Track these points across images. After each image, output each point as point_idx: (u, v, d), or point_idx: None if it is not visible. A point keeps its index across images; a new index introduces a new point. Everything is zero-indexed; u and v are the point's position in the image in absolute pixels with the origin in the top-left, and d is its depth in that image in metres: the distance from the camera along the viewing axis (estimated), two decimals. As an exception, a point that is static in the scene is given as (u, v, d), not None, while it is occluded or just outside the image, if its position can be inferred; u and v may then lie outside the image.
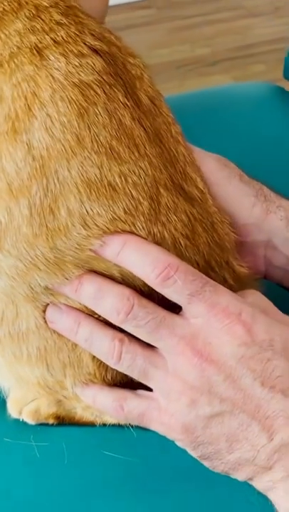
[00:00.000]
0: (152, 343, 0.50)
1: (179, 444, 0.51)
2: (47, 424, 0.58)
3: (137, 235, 0.49)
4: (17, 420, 0.58)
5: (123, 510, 0.54)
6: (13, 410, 0.58)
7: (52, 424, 0.58)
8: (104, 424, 0.57)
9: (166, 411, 0.50)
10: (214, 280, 0.53)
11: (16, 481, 0.55)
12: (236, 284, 0.56)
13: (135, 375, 0.51)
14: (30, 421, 0.58)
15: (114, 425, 0.57)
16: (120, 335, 0.50)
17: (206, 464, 0.50)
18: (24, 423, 0.58)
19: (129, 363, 0.50)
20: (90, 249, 0.49)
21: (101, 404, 0.53)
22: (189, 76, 2.32)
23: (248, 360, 0.48)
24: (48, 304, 0.51)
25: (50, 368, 0.53)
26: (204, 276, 0.50)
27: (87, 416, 0.57)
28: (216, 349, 0.49)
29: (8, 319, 0.52)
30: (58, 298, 0.51)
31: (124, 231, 0.49)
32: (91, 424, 0.58)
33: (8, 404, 0.58)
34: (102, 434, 0.57)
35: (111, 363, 0.51)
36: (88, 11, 0.71)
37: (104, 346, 0.50)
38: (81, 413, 0.57)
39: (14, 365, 0.54)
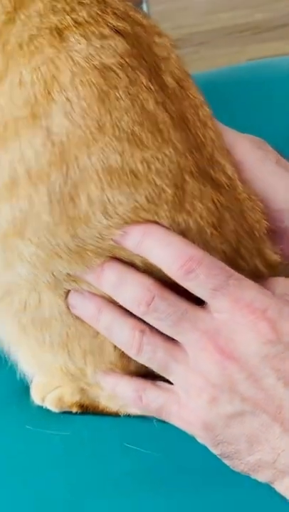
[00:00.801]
0: (174, 337, 0.49)
1: (199, 440, 0.49)
2: (70, 413, 0.57)
3: (159, 224, 0.48)
4: (40, 407, 0.58)
5: (142, 503, 0.53)
6: (36, 397, 0.58)
7: (75, 413, 0.57)
8: (129, 415, 0.56)
9: (186, 406, 0.49)
10: (244, 269, 0.51)
11: (35, 469, 0.55)
12: (269, 272, 0.53)
13: (155, 368, 0.49)
14: (54, 408, 0.57)
15: (138, 417, 0.55)
16: (142, 325, 0.49)
17: (226, 462, 0.49)
18: (47, 410, 0.57)
19: (150, 355, 0.49)
20: (111, 239, 0.47)
21: (120, 393, 0.52)
22: (248, 42, 2.26)
23: (271, 359, 0.46)
24: (70, 291, 0.50)
25: (71, 354, 0.53)
26: (229, 269, 0.48)
27: (110, 406, 0.56)
28: (239, 346, 0.47)
29: (31, 306, 0.51)
30: (80, 285, 0.50)
31: (146, 220, 0.47)
32: (115, 415, 0.57)
33: (31, 390, 0.58)
34: (125, 425, 0.56)
35: (131, 353, 0.49)
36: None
37: (125, 336, 0.49)
38: (105, 403, 0.56)
39: (37, 351, 0.54)
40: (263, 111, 0.84)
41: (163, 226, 0.48)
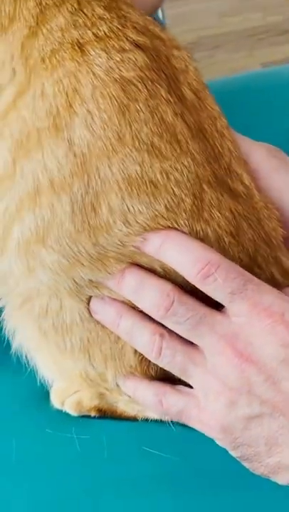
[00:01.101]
0: (192, 341, 0.49)
1: (218, 443, 0.50)
2: (89, 417, 0.58)
3: (178, 230, 0.49)
4: (59, 411, 0.59)
5: (160, 507, 0.54)
6: (56, 401, 0.59)
7: (94, 417, 0.58)
8: (146, 420, 0.57)
9: (206, 409, 0.49)
10: (260, 277, 0.52)
11: (55, 472, 0.56)
12: (285, 280, 0.54)
13: (175, 372, 0.50)
14: (73, 412, 0.58)
15: (155, 421, 0.56)
16: (161, 329, 0.50)
17: (246, 464, 0.49)
18: (66, 414, 0.58)
19: (169, 358, 0.50)
20: (132, 245, 0.48)
21: (140, 397, 0.53)
22: (260, 45, 2.26)
23: None
24: (91, 297, 0.51)
25: (92, 359, 0.54)
26: (247, 273, 0.49)
27: (128, 410, 0.57)
28: (257, 350, 0.47)
29: (52, 312, 0.52)
30: (101, 290, 0.51)
31: (165, 227, 0.48)
32: (133, 419, 0.58)
33: (51, 394, 0.59)
34: (143, 429, 0.57)
35: (151, 357, 0.50)
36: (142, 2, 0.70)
37: (145, 340, 0.50)
38: (123, 407, 0.57)
39: (58, 356, 0.55)
40: (275, 118, 0.85)
41: (182, 232, 0.48)
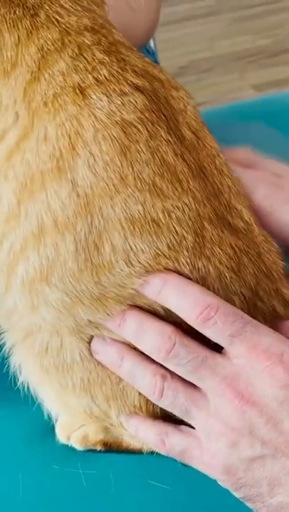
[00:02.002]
0: (194, 383, 0.50)
1: (221, 484, 0.50)
2: (95, 451, 0.59)
3: (178, 272, 0.49)
4: (65, 445, 0.59)
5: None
6: (61, 435, 0.59)
7: (100, 451, 0.59)
8: (152, 452, 0.57)
9: (208, 450, 0.50)
10: (263, 310, 0.53)
11: (62, 509, 0.56)
12: (287, 311, 0.55)
13: (177, 413, 0.51)
14: (79, 447, 0.59)
15: (161, 453, 0.57)
16: (163, 371, 0.50)
17: (249, 505, 0.50)
18: (72, 449, 0.59)
19: (171, 400, 0.50)
20: (132, 288, 0.49)
21: (143, 437, 0.54)
22: (250, 68, 2.29)
23: None
24: (92, 336, 0.52)
25: (94, 398, 0.54)
26: (246, 315, 0.50)
27: (134, 443, 0.58)
28: (258, 391, 0.48)
29: (52, 350, 0.53)
30: (102, 331, 0.51)
31: (166, 268, 0.49)
32: (138, 452, 0.58)
33: (56, 429, 0.59)
34: (149, 462, 0.57)
35: (153, 398, 0.51)
36: (135, 28, 0.72)
37: (146, 381, 0.51)
38: (128, 440, 0.58)
39: (61, 393, 0.55)
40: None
41: (181, 275, 0.49)
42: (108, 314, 0.50)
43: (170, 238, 0.49)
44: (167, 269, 0.49)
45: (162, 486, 0.56)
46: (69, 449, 0.59)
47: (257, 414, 0.48)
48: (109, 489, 0.56)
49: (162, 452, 0.53)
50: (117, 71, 0.49)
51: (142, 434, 0.54)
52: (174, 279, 0.49)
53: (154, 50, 1.29)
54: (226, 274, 0.51)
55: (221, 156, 0.53)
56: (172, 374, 0.50)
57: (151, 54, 1.20)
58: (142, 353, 0.51)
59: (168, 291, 0.49)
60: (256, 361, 0.48)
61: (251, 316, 0.51)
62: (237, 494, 0.50)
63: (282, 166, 0.61)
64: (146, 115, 0.49)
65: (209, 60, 2.29)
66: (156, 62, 1.20)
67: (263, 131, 0.88)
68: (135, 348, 0.51)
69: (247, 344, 0.48)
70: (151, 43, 1.34)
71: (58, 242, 0.49)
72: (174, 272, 0.49)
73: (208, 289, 0.50)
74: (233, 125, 0.92)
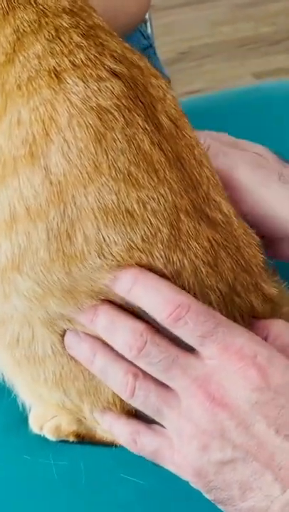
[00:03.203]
0: (165, 382, 0.49)
1: (192, 485, 0.49)
2: (67, 442, 0.58)
3: (151, 267, 0.48)
4: (38, 436, 0.58)
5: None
6: (34, 425, 0.58)
7: (72, 442, 0.58)
8: (125, 445, 0.57)
9: (179, 452, 0.49)
10: (239, 306, 0.52)
11: (32, 499, 0.56)
12: (267, 306, 0.54)
13: (148, 413, 0.50)
14: (51, 437, 0.58)
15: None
16: (135, 369, 0.49)
17: (220, 507, 0.49)
18: (45, 439, 0.58)
19: (142, 399, 0.49)
20: (103, 283, 0.48)
21: (116, 435, 0.53)
22: (251, 55, 2.27)
23: (262, 406, 0.46)
24: (64, 330, 0.51)
25: (66, 393, 0.53)
26: (218, 315, 0.48)
27: (107, 436, 0.57)
28: (230, 393, 0.47)
29: (24, 341, 0.52)
30: (74, 325, 0.50)
31: (138, 263, 0.48)
32: (112, 444, 0.57)
33: (29, 419, 0.59)
34: (122, 455, 0.56)
35: (124, 397, 0.50)
36: (125, 12, 0.70)
37: (118, 379, 0.49)
38: (101, 433, 0.57)
39: (33, 385, 0.54)
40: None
41: (154, 270, 0.48)
42: (79, 308, 0.49)
43: (144, 230, 0.48)
44: (139, 265, 0.48)
45: (134, 480, 0.55)
46: (42, 440, 0.58)
47: (228, 417, 0.46)
48: (80, 481, 0.56)
49: (134, 451, 0.52)
50: (95, 55, 0.47)
51: (115, 432, 0.53)
52: (144, 276, 0.48)
53: (150, 35, 1.27)
54: (202, 269, 0.50)
55: (201, 146, 0.52)
56: (144, 373, 0.49)
57: (146, 38, 1.18)
58: (116, 350, 0.50)
59: (138, 289, 0.48)
60: (228, 362, 0.47)
61: (227, 312, 0.50)
62: (208, 496, 0.49)
63: (263, 147, 0.59)
64: (123, 102, 0.47)
65: (210, 46, 2.27)
66: (151, 47, 1.18)
67: (256, 120, 0.88)
68: (109, 346, 0.50)
69: (219, 345, 0.47)
70: (148, 28, 1.32)
71: (30, 230, 0.48)
72: (146, 268, 0.48)
73: (183, 283, 0.49)
74: (227, 112, 0.91)
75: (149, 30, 1.30)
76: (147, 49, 1.16)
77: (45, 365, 0.52)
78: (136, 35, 1.14)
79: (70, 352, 0.51)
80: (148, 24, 1.32)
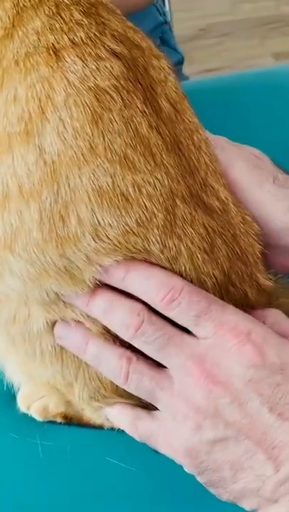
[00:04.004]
0: (161, 362, 0.49)
1: (185, 469, 0.49)
2: (54, 422, 0.58)
3: (147, 253, 0.47)
4: (25, 415, 0.58)
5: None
6: (22, 405, 0.58)
7: (60, 423, 0.58)
8: (112, 429, 0.56)
9: (172, 433, 0.49)
10: (233, 295, 0.51)
11: (15, 478, 0.55)
12: (262, 297, 0.53)
13: (142, 396, 0.49)
14: (38, 417, 0.58)
15: (121, 431, 0.55)
16: (128, 353, 0.49)
17: (212, 491, 0.48)
18: (33, 419, 0.58)
19: (136, 383, 0.49)
20: (99, 265, 0.47)
21: (121, 424, 0.53)
22: (272, 35, 2.24)
23: (256, 384, 0.46)
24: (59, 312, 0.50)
25: (64, 366, 0.53)
26: (211, 295, 0.48)
27: (95, 418, 0.57)
28: (224, 370, 0.47)
29: (20, 320, 0.51)
30: (69, 308, 0.50)
31: (135, 247, 0.47)
32: (99, 427, 0.57)
33: (17, 398, 0.58)
34: (108, 439, 0.56)
35: (119, 382, 0.50)
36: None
37: (112, 365, 0.49)
38: (89, 415, 0.57)
39: (26, 363, 0.54)
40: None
41: (143, 261, 0.48)
42: (74, 291, 0.48)
43: (139, 214, 0.47)
44: (135, 249, 0.47)
45: (119, 464, 0.55)
46: (29, 419, 0.58)
47: (222, 394, 0.46)
48: (66, 463, 0.56)
49: (135, 437, 0.51)
50: (95, 34, 0.46)
51: (120, 422, 0.52)
52: (136, 264, 0.47)
53: (167, 12, 1.25)
54: (198, 255, 0.49)
55: (200, 131, 0.51)
56: (138, 356, 0.49)
57: (162, 15, 1.17)
58: (107, 339, 0.50)
59: (132, 277, 0.47)
60: (223, 339, 0.47)
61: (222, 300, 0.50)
62: (200, 479, 0.48)
63: (259, 151, 0.58)
64: (122, 83, 0.46)
65: (230, 23, 2.24)
66: (166, 23, 1.17)
67: (272, 103, 0.86)
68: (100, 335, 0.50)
69: (213, 323, 0.47)
70: (166, 5, 1.30)
71: (23, 209, 0.47)
72: (135, 259, 0.47)
73: (180, 269, 0.48)
74: (243, 94, 0.90)
75: (167, 7, 1.28)
76: (162, 25, 1.14)
77: (42, 340, 0.51)
78: (152, 10, 1.13)
79: (60, 342, 0.51)
80: (165, 0, 1.30)
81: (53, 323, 0.51)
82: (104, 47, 0.46)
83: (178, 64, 1.13)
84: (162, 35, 1.11)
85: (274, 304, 0.55)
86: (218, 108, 0.83)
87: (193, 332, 0.48)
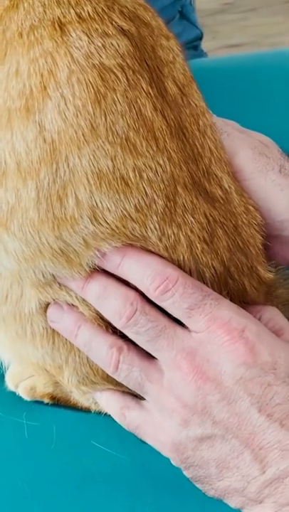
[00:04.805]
0: (151, 353, 0.48)
1: (172, 462, 0.49)
2: (42, 403, 0.57)
3: (144, 240, 0.46)
4: (13, 394, 0.57)
5: (100, 502, 0.52)
6: (10, 383, 0.58)
7: (47, 404, 0.57)
8: (100, 413, 0.56)
9: (160, 426, 0.48)
10: (232, 288, 0.50)
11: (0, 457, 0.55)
12: (261, 289, 0.52)
13: (132, 387, 0.49)
14: (25, 397, 0.57)
15: (108, 415, 0.55)
16: (120, 343, 0.48)
17: (198, 486, 0.48)
18: (20, 398, 0.57)
19: (126, 373, 0.48)
20: (96, 249, 0.46)
21: (110, 410, 0.52)
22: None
23: (246, 383, 0.45)
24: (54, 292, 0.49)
25: (55, 349, 0.52)
26: (206, 287, 0.47)
27: (82, 401, 0.56)
28: (214, 367, 0.45)
29: (12, 299, 0.50)
30: (64, 291, 0.49)
31: (132, 233, 0.46)
32: (86, 410, 0.56)
33: (6, 376, 0.58)
34: (95, 422, 0.56)
35: (108, 371, 0.49)
36: None
37: (103, 353, 0.48)
38: (77, 398, 0.56)
39: (16, 343, 0.53)
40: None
41: (140, 248, 0.47)
42: (70, 274, 0.47)
43: (139, 199, 0.45)
44: (132, 235, 0.46)
45: (104, 449, 0.54)
46: (16, 397, 0.57)
47: (211, 391, 0.45)
48: (50, 444, 0.55)
49: (123, 425, 0.51)
50: (103, 9, 0.44)
51: (109, 408, 0.52)
52: (133, 251, 0.46)
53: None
54: (197, 245, 0.48)
55: (207, 116, 0.49)
56: (129, 347, 0.48)
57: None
58: (100, 326, 0.49)
59: (128, 264, 0.46)
60: (215, 335, 0.45)
61: (219, 293, 0.48)
62: (186, 474, 0.48)
63: (269, 139, 0.56)
64: (128, 62, 0.44)
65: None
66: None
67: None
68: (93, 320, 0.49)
69: (206, 317, 0.46)
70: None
71: (20, 187, 0.45)
72: (133, 246, 0.46)
73: (178, 258, 0.47)
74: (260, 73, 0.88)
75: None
76: (182, -1, 1.11)
77: (34, 321, 0.50)
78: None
79: (52, 325, 0.50)
80: None
81: (46, 305, 0.50)
82: (111, 23, 0.44)
83: (196, 39, 1.11)
84: (182, 9, 1.08)
85: (273, 294, 0.54)
86: (236, 88, 0.81)
87: (186, 324, 0.47)
